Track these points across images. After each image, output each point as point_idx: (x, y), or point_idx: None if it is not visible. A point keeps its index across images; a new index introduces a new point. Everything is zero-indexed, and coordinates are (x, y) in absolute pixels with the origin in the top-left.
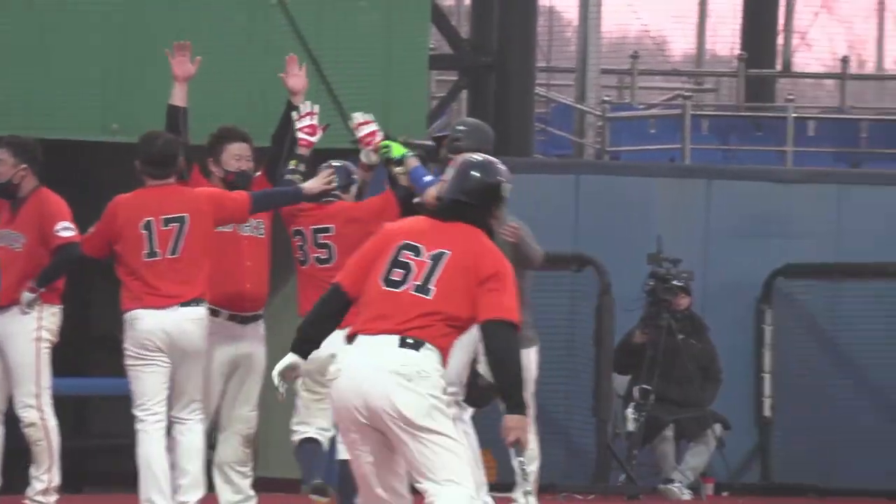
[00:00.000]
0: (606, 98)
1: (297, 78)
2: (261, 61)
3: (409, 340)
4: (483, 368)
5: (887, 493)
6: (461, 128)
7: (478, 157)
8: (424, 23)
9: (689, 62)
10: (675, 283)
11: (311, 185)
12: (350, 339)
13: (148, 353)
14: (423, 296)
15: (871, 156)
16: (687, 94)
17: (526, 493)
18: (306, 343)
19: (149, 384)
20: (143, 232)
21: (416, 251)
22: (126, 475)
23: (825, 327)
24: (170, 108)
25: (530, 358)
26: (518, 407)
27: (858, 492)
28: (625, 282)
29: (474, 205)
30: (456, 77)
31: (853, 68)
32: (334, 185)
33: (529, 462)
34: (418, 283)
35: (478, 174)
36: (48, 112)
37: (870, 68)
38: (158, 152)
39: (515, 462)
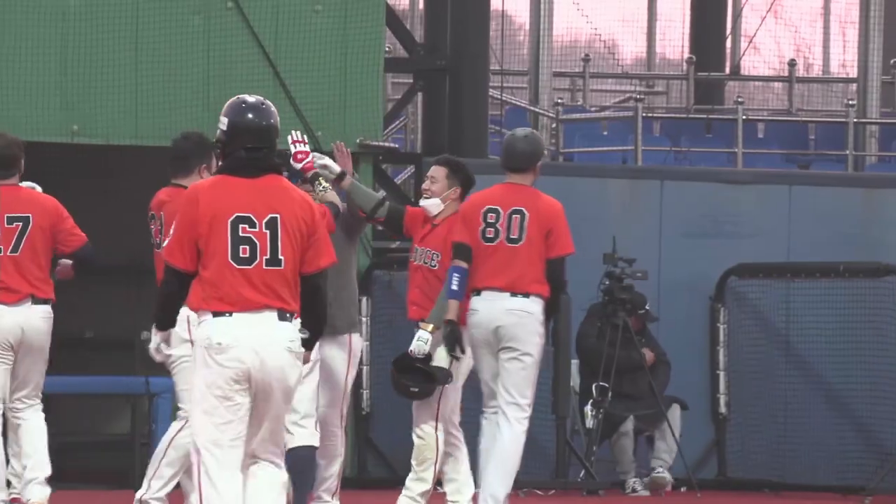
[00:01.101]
0: (559, 100)
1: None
2: (218, 64)
3: (286, 314)
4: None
5: (838, 489)
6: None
7: (249, 99)
8: (379, 26)
9: (640, 65)
10: (646, 310)
11: None
12: (217, 314)
13: (2, 351)
14: (276, 267)
15: (820, 157)
16: (638, 96)
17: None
18: (167, 326)
19: None
20: None
21: (251, 222)
22: (82, 472)
23: (777, 325)
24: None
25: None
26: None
27: (811, 487)
28: (580, 281)
29: (264, 148)
30: (411, 80)
31: (800, 71)
32: None
33: (332, 458)
34: (267, 256)
35: (257, 119)
36: (8, 114)
37: (816, 71)
38: (1, 154)
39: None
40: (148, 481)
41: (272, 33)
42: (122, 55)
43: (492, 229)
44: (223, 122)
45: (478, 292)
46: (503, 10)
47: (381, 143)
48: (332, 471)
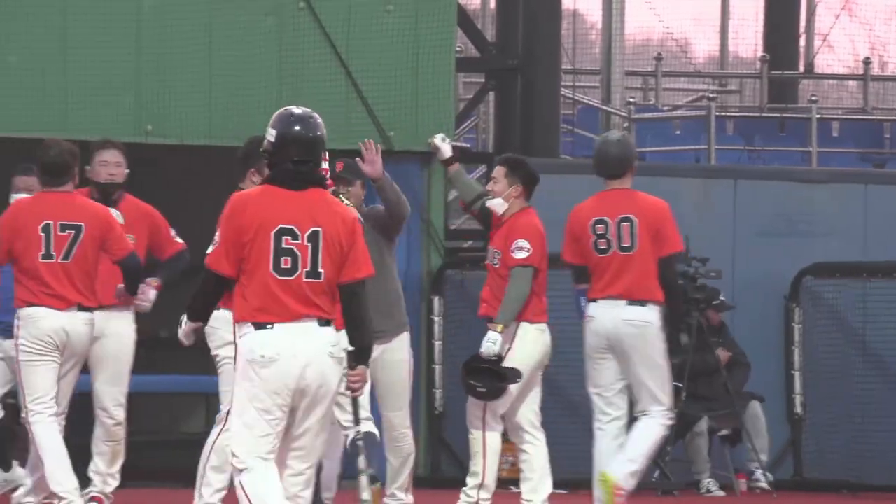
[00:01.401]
0: (631, 99)
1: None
2: (290, 64)
3: (325, 321)
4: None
5: None
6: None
7: (297, 111)
8: (450, 26)
9: (713, 64)
10: (720, 300)
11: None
12: (259, 326)
13: (47, 349)
14: (316, 280)
15: (895, 156)
16: (711, 95)
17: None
18: (197, 320)
19: (45, 379)
20: (42, 234)
21: (294, 234)
22: (158, 470)
23: (854, 325)
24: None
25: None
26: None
27: (889, 488)
28: None
29: (311, 161)
30: (482, 79)
31: (875, 69)
32: None
33: (406, 456)
34: (308, 269)
35: (305, 131)
36: (83, 114)
37: (891, 69)
38: (51, 161)
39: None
40: (198, 491)
41: (344, 33)
42: (195, 55)
43: (603, 240)
44: (271, 134)
45: (594, 300)
46: (574, 9)
47: (453, 143)
48: (405, 470)
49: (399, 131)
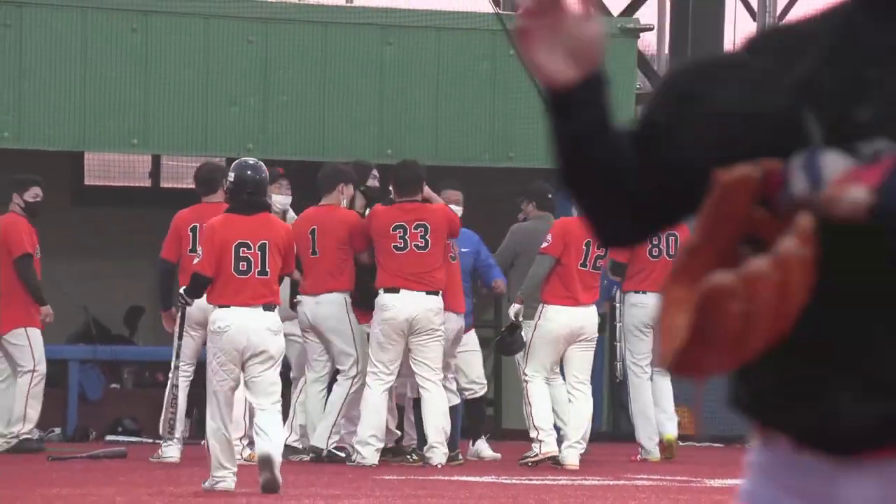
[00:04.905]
0: None
1: None
2: (502, 103)
3: (268, 306)
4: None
5: None
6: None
7: (249, 161)
8: (631, 68)
9: None
10: None
11: None
12: (222, 306)
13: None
14: (265, 276)
15: None
16: None
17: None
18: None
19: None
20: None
21: (248, 246)
22: None
23: None
24: None
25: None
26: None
27: None
28: None
29: (257, 193)
30: None
31: None
32: None
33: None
34: (258, 269)
35: (253, 174)
36: (338, 140)
37: None
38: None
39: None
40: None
41: None
42: (426, 95)
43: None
44: (230, 177)
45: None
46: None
47: None
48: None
49: None
